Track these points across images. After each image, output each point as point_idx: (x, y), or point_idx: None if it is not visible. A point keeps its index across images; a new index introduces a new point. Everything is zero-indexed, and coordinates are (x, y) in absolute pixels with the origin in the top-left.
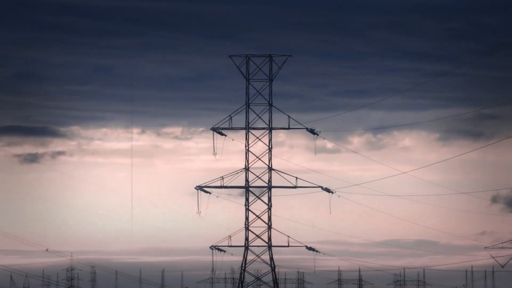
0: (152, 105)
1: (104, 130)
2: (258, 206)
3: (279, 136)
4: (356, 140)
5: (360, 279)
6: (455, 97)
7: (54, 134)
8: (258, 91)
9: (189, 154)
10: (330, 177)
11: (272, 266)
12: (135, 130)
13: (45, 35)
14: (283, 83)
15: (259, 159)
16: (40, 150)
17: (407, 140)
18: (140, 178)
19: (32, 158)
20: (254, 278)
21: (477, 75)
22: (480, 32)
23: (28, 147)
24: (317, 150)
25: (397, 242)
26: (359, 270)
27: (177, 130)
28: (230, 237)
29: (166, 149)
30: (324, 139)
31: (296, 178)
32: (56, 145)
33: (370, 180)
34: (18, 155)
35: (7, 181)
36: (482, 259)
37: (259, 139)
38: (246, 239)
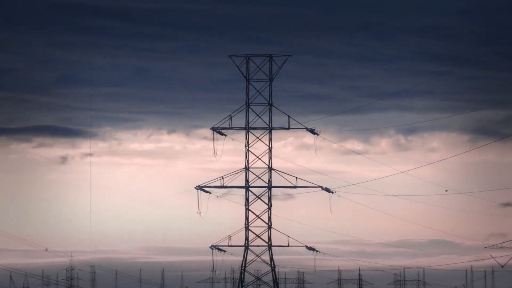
0: (184, 106)
1: (134, 131)
2: (258, 206)
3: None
4: (384, 142)
5: (360, 279)
6: (486, 99)
7: (86, 135)
8: (258, 91)
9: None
10: (330, 177)
11: (272, 266)
12: (165, 131)
13: (86, 38)
14: (311, 84)
15: (259, 159)
16: (70, 151)
17: (435, 142)
18: (155, 178)
19: (61, 160)
20: (254, 278)
21: (508, 78)
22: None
23: (57, 148)
24: (345, 152)
25: (397, 242)
26: (359, 270)
27: (206, 131)
28: (230, 237)
29: (192, 150)
30: (324, 138)
31: (296, 178)
32: (85, 146)
33: (370, 180)
34: (46, 156)
35: (28, 182)
36: (482, 259)
37: (259, 139)
38: (246, 239)
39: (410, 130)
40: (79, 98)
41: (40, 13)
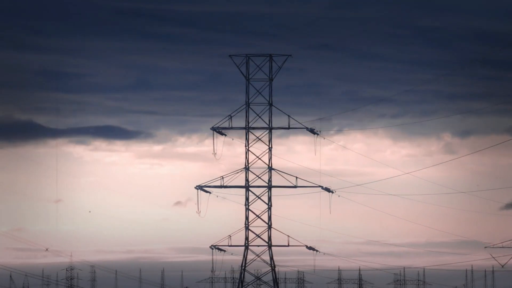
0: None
1: (188, 134)
2: (258, 206)
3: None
4: (442, 143)
5: (360, 279)
6: None
7: (140, 136)
8: (258, 91)
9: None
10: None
11: (272, 265)
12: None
13: (163, 44)
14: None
15: (259, 158)
16: (121, 152)
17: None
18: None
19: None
20: (254, 278)
21: None
22: None
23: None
24: (345, 152)
25: (397, 242)
26: (359, 270)
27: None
28: (230, 236)
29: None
30: (324, 138)
31: (296, 178)
32: (133, 147)
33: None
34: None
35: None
36: (482, 259)
37: (259, 139)
38: (246, 238)
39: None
40: (146, 102)
41: (109, 20)
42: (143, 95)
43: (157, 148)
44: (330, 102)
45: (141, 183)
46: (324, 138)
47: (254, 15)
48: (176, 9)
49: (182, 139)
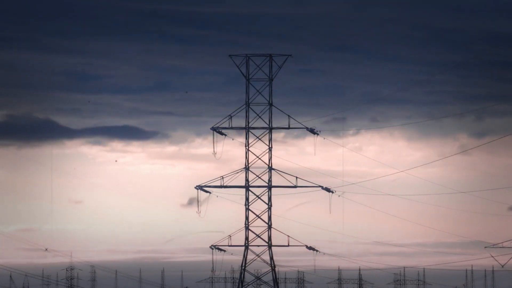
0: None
1: (204, 135)
2: (258, 206)
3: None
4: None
5: (360, 279)
6: None
7: (159, 137)
8: (258, 91)
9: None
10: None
11: (272, 265)
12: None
13: (182, 46)
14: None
15: (259, 158)
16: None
17: None
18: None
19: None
20: (254, 278)
21: None
22: None
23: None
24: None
25: (397, 242)
26: (359, 270)
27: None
28: (230, 236)
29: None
30: (324, 138)
31: (296, 178)
32: (148, 148)
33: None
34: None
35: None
36: (482, 259)
37: (259, 139)
38: (246, 238)
39: None
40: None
41: (132, 22)
42: (161, 96)
43: (171, 149)
44: (347, 103)
45: (147, 184)
46: (324, 138)
47: (276, 16)
48: (196, 10)
49: (198, 140)
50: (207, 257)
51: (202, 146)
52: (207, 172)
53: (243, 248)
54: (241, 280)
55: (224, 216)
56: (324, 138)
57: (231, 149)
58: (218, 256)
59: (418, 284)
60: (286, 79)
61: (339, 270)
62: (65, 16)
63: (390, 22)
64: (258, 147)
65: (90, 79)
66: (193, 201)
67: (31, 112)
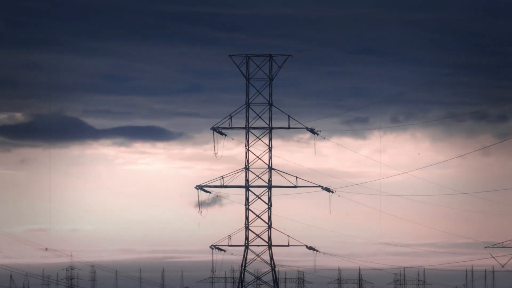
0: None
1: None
2: (258, 206)
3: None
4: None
5: (360, 279)
6: None
7: (183, 139)
8: (258, 91)
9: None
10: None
11: (272, 265)
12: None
13: (214, 48)
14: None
15: (259, 158)
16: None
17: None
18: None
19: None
20: (254, 278)
21: None
22: None
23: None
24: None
25: (397, 242)
26: (359, 270)
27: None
28: (230, 236)
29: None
30: (324, 138)
31: (296, 177)
32: (169, 149)
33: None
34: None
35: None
36: (482, 259)
37: (259, 139)
38: (246, 238)
39: None
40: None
41: (166, 26)
42: (190, 98)
43: (192, 150)
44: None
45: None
46: (324, 138)
47: (302, 19)
48: (230, 13)
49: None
50: (207, 257)
51: (224, 148)
52: (224, 173)
53: (243, 248)
54: (241, 280)
55: (224, 216)
56: (324, 138)
57: (232, 148)
58: (218, 256)
59: (418, 284)
60: (310, 80)
61: (339, 270)
62: (96, 19)
63: (415, 24)
64: (259, 147)
65: (120, 80)
66: (199, 202)
67: (59, 112)
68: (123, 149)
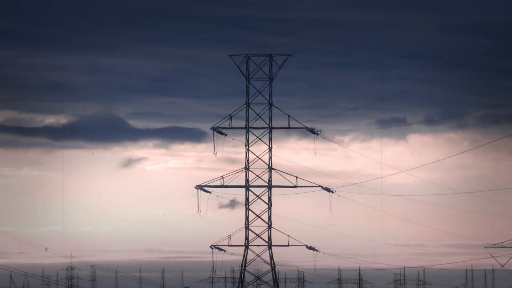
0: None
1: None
2: (259, 206)
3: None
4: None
5: (360, 279)
6: None
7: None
8: (258, 91)
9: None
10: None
11: (272, 265)
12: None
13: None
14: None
15: (259, 158)
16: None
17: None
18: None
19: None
20: (254, 278)
21: None
22: None
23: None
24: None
25: (397, 242)
26: (359, 270)
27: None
28: (230, 236)
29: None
30: (324, 138)
31: (296, 177)
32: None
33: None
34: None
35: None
36: (482, 259)
37: (259, 139)
38: (246, 238)
39: None
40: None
41: (184, 27)
42: (233, 101)
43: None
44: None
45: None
46: (324, 138)
47: (320, 20)
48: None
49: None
50: (207, 257)
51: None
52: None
53: (243, 248)
54: (241, 280)
55: (224, 216)
56: (324, 138)
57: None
58: (218, 256)
59: (418, 284)
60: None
61: (339, 270)
62: (144, 22)
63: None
64: (258, 147)
65: (166, 82)
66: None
67: (103, 114)
68: (156, 151)
